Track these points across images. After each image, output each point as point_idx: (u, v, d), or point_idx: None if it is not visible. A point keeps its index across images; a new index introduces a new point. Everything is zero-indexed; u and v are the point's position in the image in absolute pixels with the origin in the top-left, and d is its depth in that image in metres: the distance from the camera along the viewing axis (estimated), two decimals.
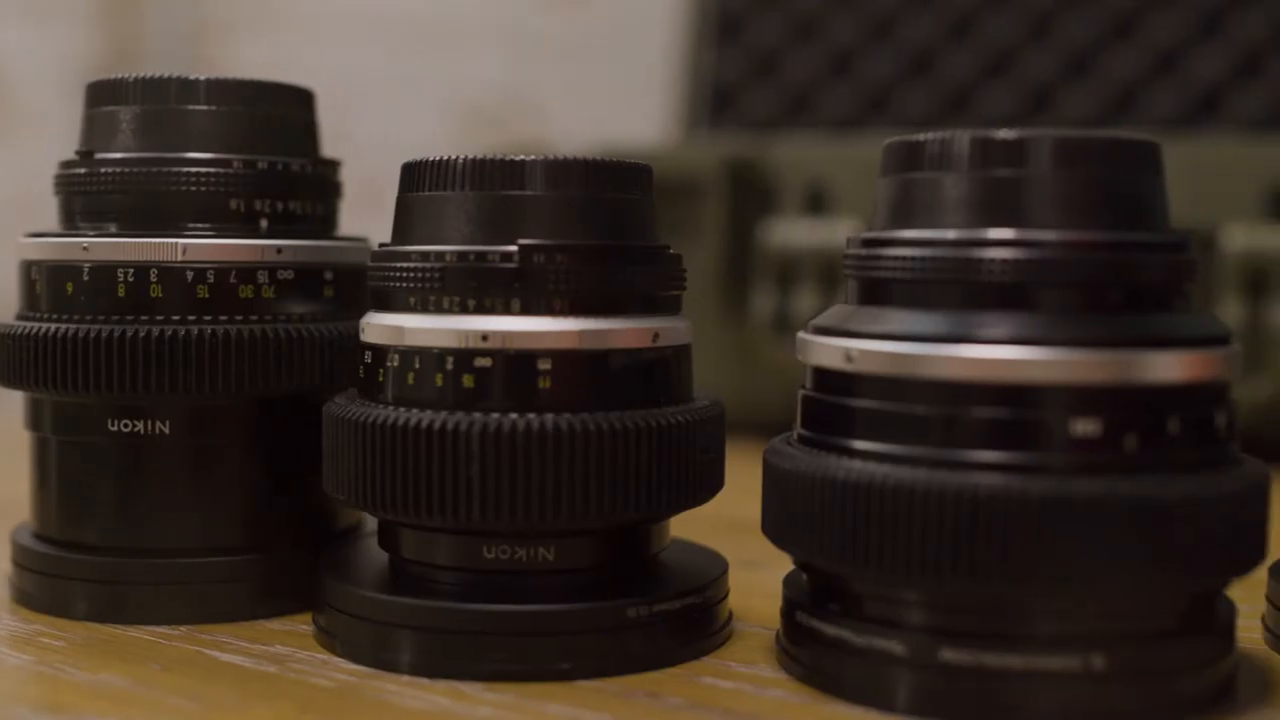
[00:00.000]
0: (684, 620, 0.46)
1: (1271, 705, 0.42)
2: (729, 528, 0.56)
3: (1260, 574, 0.44)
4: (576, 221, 0.45)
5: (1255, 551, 0.42)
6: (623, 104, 1.43)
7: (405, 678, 0.44)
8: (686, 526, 0.52)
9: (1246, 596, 0.48)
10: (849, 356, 0.41)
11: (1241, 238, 0.83)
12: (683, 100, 1.29)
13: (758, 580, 0.52)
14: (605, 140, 1.03)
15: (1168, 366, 0.40)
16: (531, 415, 0.43)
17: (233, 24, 1.63)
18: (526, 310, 0.44)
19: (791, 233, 0.90)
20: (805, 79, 1.28)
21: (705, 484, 0.47)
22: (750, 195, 0.94)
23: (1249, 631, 0.49)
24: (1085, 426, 0.39)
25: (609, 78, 1.48)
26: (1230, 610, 0.43)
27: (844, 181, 0.94)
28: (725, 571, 0.49)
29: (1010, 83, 1.29)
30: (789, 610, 0.45)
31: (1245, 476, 0.41)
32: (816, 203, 0.93)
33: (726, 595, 0.49)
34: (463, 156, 0.45)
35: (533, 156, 0.45)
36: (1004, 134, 0.41)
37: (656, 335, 0.45)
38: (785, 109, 1.28)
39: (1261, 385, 0.82)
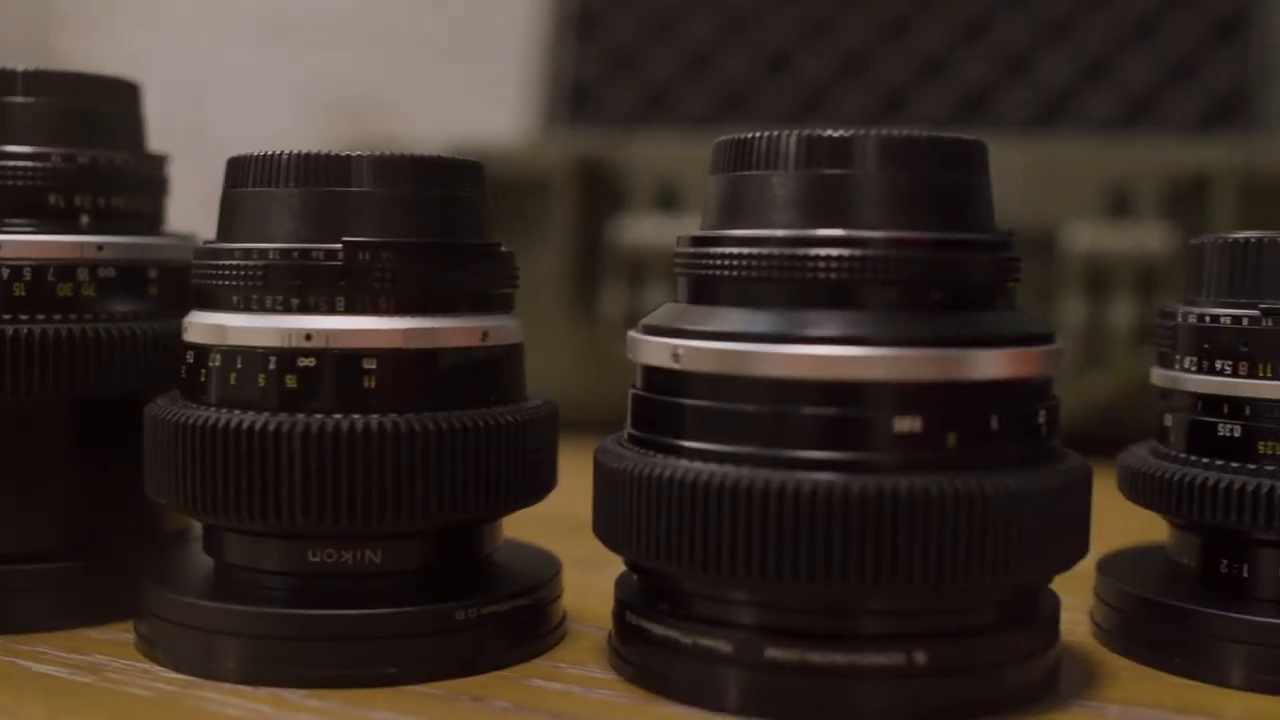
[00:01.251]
0: (514, 622, 0.45)
1: (1094, 698, 0.43)
2: (572, 528, 0.55)
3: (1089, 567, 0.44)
4: (404, 219, 0.44)
5: (1077, 546, 0.42)
6: (483, 100, 1.42)
7: (228, 686, 0.43)
8: (529, 527, 0.51)
9: (1076, 590, 0.49)
10: (676, 355, 0.41)
11: (1085, 238, 0.84)
12: (541, 97, 1.28)
13: (596, 580, 0.51)
14: (462, 137, 1.01)
15: (990, 364, 0.40)
16: (356, 416, 0.42)
17: (86, 15, 1.59)
18: (351, 309, 0.43)
19: (642, 231, 0.90)
20: (664, 77, 1.28)
21: (536, 484, 0.46)
22: (601, 193, 0.94)
23: (1078, 625, 0.50)
24: (909, 424, 0.39)
25: (470, 74, 1.46)
26: (1054, 604, 0.44)
27: (696, 180, 0.93)
28: (558, 572, 0.49)
29: (865, 83, 1.30)
30: (619, 611, 0.44)
31: (1067, 472, 0.41)
32: (668, 201, 0.93)
33: (560, 596, 0.48)
34: (288, 151, 0.44)
35: (359, 152, 0.44)
36: (831, 132, 0.41)
37: (486, 334, 0.45)
38: (644, 107, 1.28)
39: (1102, 383, 0.84)
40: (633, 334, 0.44)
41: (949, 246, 0.41)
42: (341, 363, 0.43)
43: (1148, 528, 0.51)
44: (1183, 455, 0.47)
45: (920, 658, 0.39)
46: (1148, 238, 0.83)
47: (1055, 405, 0.43)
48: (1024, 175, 0.89)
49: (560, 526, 0.55)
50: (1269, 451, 0.44)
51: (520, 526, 0.51)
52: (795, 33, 1.31)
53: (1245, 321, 0.45)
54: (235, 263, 0.44)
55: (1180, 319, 0.47)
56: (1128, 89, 1.25)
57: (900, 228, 0.40)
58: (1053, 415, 0.42)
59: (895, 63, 1.28)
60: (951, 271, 0.40)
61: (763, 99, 1.28)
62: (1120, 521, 0.51)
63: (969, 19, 1.28)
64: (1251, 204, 0.85)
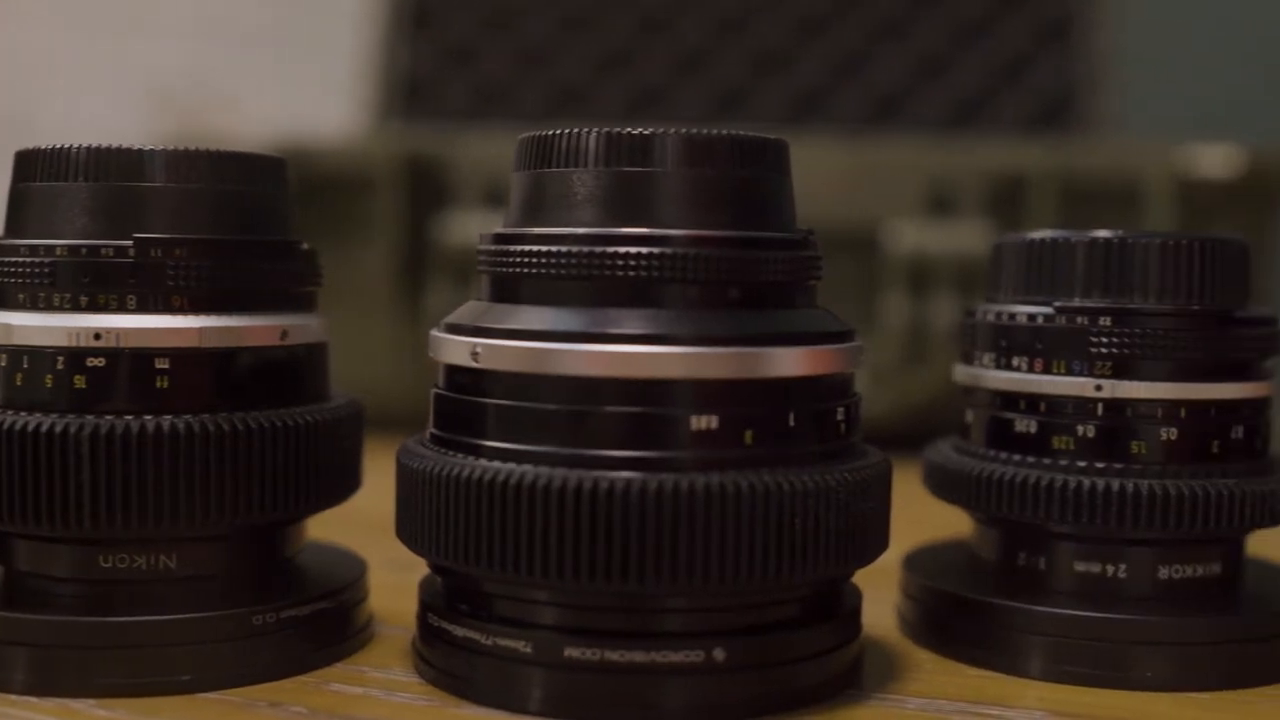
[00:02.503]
0: (316, 625, 0.44)
1: (895, 691, 0.43)
2: (387, 528, 0.54)
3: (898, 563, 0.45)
4: (199, 215, 0.43)
5: (877, 542, 0.43)
6: (318, 94, 1.40)
7: (14, 698, 0.41)
8: (343, 528, 0.50)
9: (885, 584, 0.50)
10: (475, 354, 0.41)
11: (907, 237, 0.86)
12: (375, 92, 1.27)
13: (407, 582, 0.51)
14: (292, 131, 1.00)
15: (788, 362, 0.40)
16: (148, 417, 0.41)
17: None
18: (143, 307, 0.42)
19: (469, 229, 0.89)
20: (499, 73, 1.27)
21: (339, 484, 0.46)
22: (429, 191, 0.93)
23: (885, 620, 0.50)
24: (708, 422, 0.39)
25: (305, 67, 1.44)
26: (857, 599, 0.44)
27: None
28: (364, 574, 0.48)
29: (702, 83, 1.30)
30: (422, 613, 0.44)
31: (866, 468, 0.41)
32: (496, 199, 0.92)
33: (365, 598, 0.48)
34: (79, 145, 0.43)
35: (153, 147, 0.43)
36: (632, 130, 0.41)
37: (285, 333, 0.44)
38: (479, 103, 1.28)
39: (924, 381, 0.85)
40: (434, 333, 0.43)
41: (748, 245, 0.41)
42: (133, 362, 0.42)
43: (959, 523, 0.52)
44: (983, 451, 0.47)
45: (719, 654, 0.40)
46: (968, 237, 0.85)
47: (855, 402, 0.43)
48: (848, 175, 0.90)
49: (376, 527, 0.54)
50: (1063, 446, 0.45)
51: (335, 527, 0.50)
52: (632, 31, 1.31)
53: (1040, 319, 0.45)
54: (22, 260, 0.42)
55: (980, 317, 0.48)
56: (958, 90, 1.27)
57: (700, 226, 0.40)
58: (852, 412, 0.43)
59: (732, 62, 1.29)
60: (750, 270, 0.41)
61: (599, 97, 1.28)
62: (940, 517, 0.52)
63: (805, 19, 1.30)
64: (1069, 205, 0.87)
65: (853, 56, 1.28)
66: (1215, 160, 0.87)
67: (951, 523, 0.53)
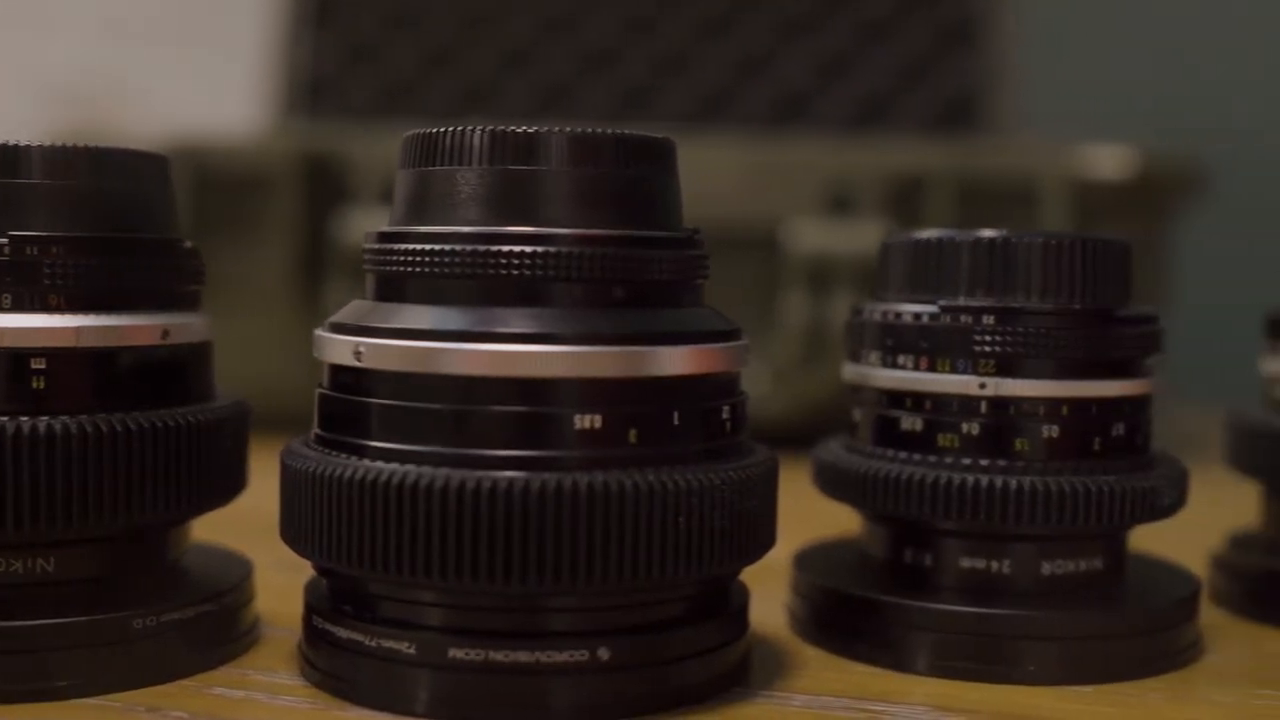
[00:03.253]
0: (199, 629, 0.44)
1: (781, 688, 0.44)
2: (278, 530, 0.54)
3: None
4: (77, 213, 0.42)
5: (763, 540, 0.43)
6: (221, 91, 1.39)
7: None
8: (235, 530, 0.50)
9: (776, 582, 0.50)
10: (358, 353, 0.41)
11: (806, 236, 0.86)
12: (277, 89, 1.25)
13: (297, 583, 0.50)
14: (192, 129, 0.98)
15: (672, 361, 0.40)
16: (24, 418, 0.40)
17: None
18: (19, 306, 0.41)
19: (367, 228, 0.88)
20: (404, 71, 1.26)
21: (223, 486, 0.45)
22: (327, 189, 0.92)
23: (776, 618, 0.50)
24: (592, 421, 0.39)
25: (208, 63, 1.43)
26: (744, 597, 0.45)
27: None
28: (249, 576, 0.47)
29: (608, 81, 1.30)
30: (307, 615, 0.43)
31: (752, 466, 0.41)
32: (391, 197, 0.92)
33: (251, 600, 0.47)
34: None
35: (30, 143, 0.42)
36: (518, 128, 0.41)
37: (167, 332, 0.43)
38: (383, 100, 1.27)
39: (824, 380, 0.86)
40: (318, 332, 0.43)
41: (634, 244, 0.41)
42: (7, 363, 0.41)
43: (854, 520, 0.52)
44: (870, 449, 0.48)
45: (604, 654, 0.40)
46: (867, 237, 0.85)
47: (741, 401, 0.43)
48: (749, 174, 0.91)
49: (267, 528, 0.53)
50: (948, 444, 0.46)
51: (225, 529, 0.50)
52: (537, 30, 1.31)
53: (925, 318, 0.46)
54: None
55: (867, 316, 0.48)
56: (861, 90, 1.28)
57: (585, 225, 0.40)
58: (738, 411, 0.43)
59: (637, 61, 1.29)
60: (636, 269, 0.41)
61: (504, 95, 1.28)
62: (838, 514, 0.52)
63: (709, 20, 1.30)
64: (967, 205, 0.88)
65: (757, 56, 1.29)
66: (1109, 162, 0.88)
67: (847, 520, 0.53)
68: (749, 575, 0.45)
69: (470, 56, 1.30)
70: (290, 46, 1.27)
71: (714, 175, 0.91)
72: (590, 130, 0.41)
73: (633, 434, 0.39)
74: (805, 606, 0.49)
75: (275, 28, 1.28)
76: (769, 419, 0.86)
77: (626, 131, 0.42)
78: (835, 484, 0.48)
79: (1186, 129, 1.38)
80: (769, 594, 0.51)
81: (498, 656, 0.39)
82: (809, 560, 0.51)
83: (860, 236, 0.85)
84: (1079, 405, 0.45)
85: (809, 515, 0.53)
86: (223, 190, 0.91)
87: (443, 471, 0.38)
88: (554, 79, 1.29)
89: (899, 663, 0.45)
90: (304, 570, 0.44)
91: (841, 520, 0.53)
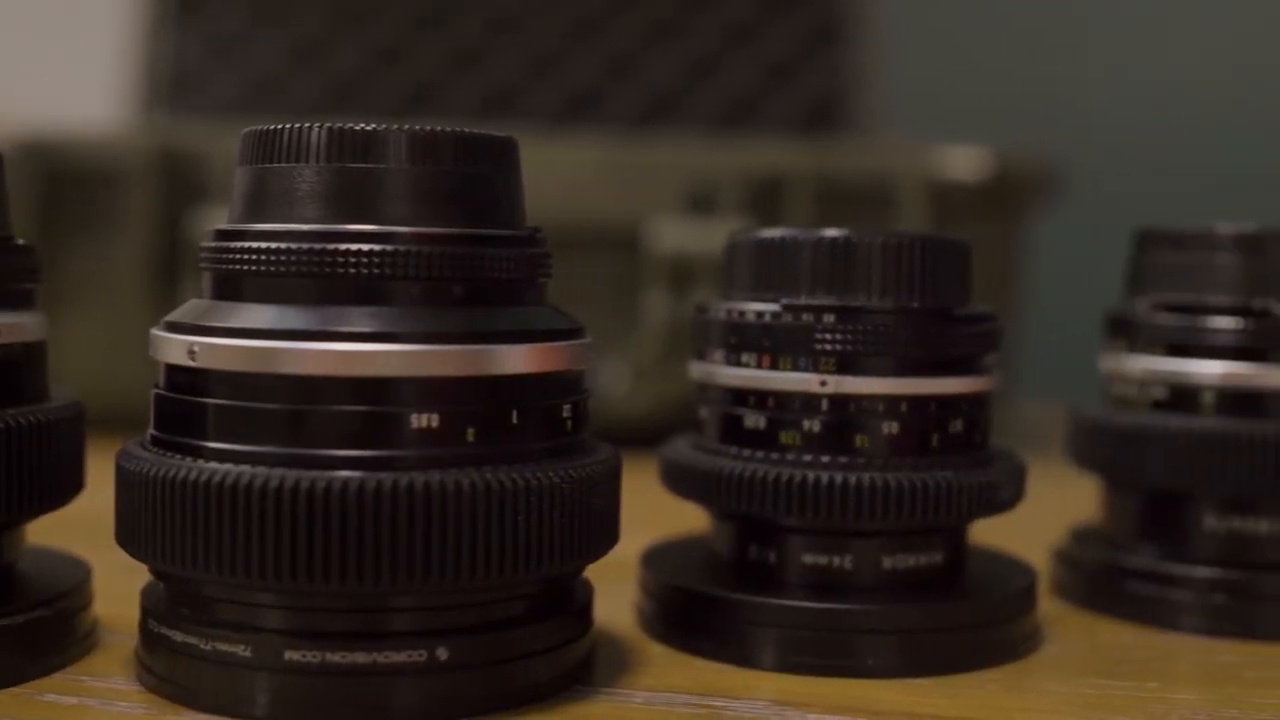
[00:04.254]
0: (32, 634, 0.43)
1: (624, 686, 0.44)
2: None
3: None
4: None
5: (605, 538, 0.43)
6: (83, 86, 1.36)
7: None
8: (78, 533, 0.49)
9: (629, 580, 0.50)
10: (192, 352, 0.40)
11: (667, 236, 0.87)
12: (138, 84, 1.23)
13: (139, 587, 0.49)
14: (46, 124, 0.96)
15: (510, 359, 0.40)
16: None
17: None
18: None
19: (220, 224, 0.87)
20: (270, 67, 1.25)
21: (59, 488, 0.44)
22: (184, 186, 0.91)
23: (624, 615, 0.51)
24: (429, 420, 0.39)
25: (69, 57, 1.40)
26: (588, 595, 0.45)
27: None
28: (87, 579, 0.46)
29: (475, 80, 1.30)
30: (144, 619, 0.43)
31: (593, 464, 0.42)
32: None
33: (89, 605, 0.46)
34: None
35: None
36: (356, 126, 0.41)
37: None
38: (249, 96, 1.25)
39: (685, 378, 0.86)
40: (153, 331, 0.42)
41: (473, 242, 0.41)
42: None
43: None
44: (715, 446, 0.48)
45: (443, 653, 0.39)
46: (727, 236, 0.86)
47: (584, 399, 0.43)
48: (612, 174, 0.91)
49: (110, 531, 0.52)
50: (791, 442, 0.46)
51: (66, 532, 0.49)
52: (407, 27, 1.30)
53: (768, 317, 0.46)
54: None
55: (712, 314, 0.48)
56: (728, 91, 1.29)
57: (425, 223, 0.40)
58: (580, 409, 0.43)
59: (505, 60, 1.29)
60: (475, 267, 0.40)
61: (371, 93, 1.27)
62: (693, 512, 0.52)
63: (578, 19, 1.30)
64: (827, 205, 0.89)
65: (625, 56, 1.29)
66: (964, 163, 0.90)
67: (703, 518, 0.53)
68: (599, 573, 0.45)
69: (337, 53, 1.29)
70: (151, 41, 1.24)
71: (578, 175, 0.92)
72: (430, 128, 0.41)
73: (471, 433, 0.39)
74: (652, 604, 0.49)
75: (137, 22, 1.26)
76: (631, 417, 0.86)
77: (467, 130, 0.42)
78: (681, 482, 0.48)
79: (1043, 130, 1.40)
80: (619, 592, 0.52)
81: (335, 658, 0.39)
82: (656, 558, 0.51)
83: (720, 236, 0.85)
84: (918, 402, 0.46)
85: (666, 512, 0.53)
86: (77, 187, 0.89)
87: (278, 472, 0.38)
88: (422, 77, 1.29)
89: (744, 659, 0.46)
90: (146, 573, 0.44)
91: (698, 518, 0.53)
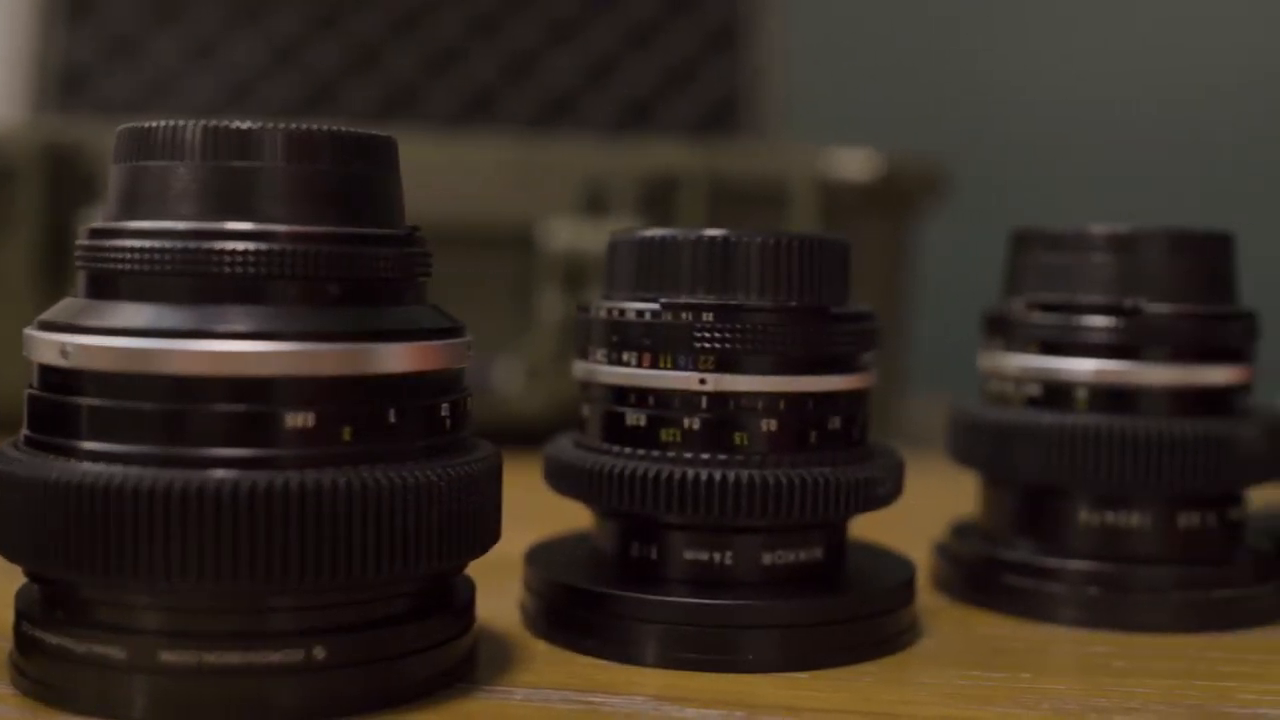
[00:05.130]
0: None
1: (506, 683, 0.44)
2: None
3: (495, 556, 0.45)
4: None
5: (485, 536, 0.43)
6: None
7: None
8: None
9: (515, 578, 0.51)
10: (64, 352, 0.40)
11: (562, 235, 0.87)
12: (31, 81, 1.22)
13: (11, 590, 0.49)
14: None
15: (387, 358, 0.40)
16: None
17: None
18: None
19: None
20: (165, 65, 1.24)
21: None
22: (74, 184, 0.89)
23: (510, 613, 0.51)
24: (310, 419, 0.39)
25: None
26: (469, 592, 0.45)
27: None
28: None
29: (374, 80, 1.29)
30: (18, 622, 0.42)
31: (472, 463, 0.42)
32: None
33: None
34: None
35: None
36: (232, 124, 0.40)
37: None
38: (143, 95, 1.24)
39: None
40: (26, 330, 0.42)
41: (350, 241, 0.41)
42: None
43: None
44: (597, 444, 0.48)
45: (320, 653, 0.39)
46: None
47: (463, 398, 0.43)
48: (509, 174, 0.91)
49: None
50: (671, 439, 0.47)
51: None
52: (305, 26, 1.29)
53: (648, 315, 0.47)
54: None
55: (594, 313, 0.49)
56: (627, 92, 1.29)
57: (302, 222, 0.40)
58: (459, 407, 0.43)
59: (404, 60, 1.28)
60: (352, 266, 0.40)
61: (269, 92, 1.26)
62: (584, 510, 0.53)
63: (477, 19, 1.30)
64: (720, 205, 0.90)
65: (524, 57, 1.29)
66: (854, 164, 0.91)
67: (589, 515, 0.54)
68: (484, 571, 0.45)
69: (233, 52, 1.28)
70: (43, 40, 1.23)
71: (476, 175, 0.92)
72: (307, 127, 0.41)
73: (348, 432, 0.39)
74: (536, 602, 0.49)
75: (28, 21, 1.24)
76: (525, 416, 0.86)
77: (344, 129, 0.42)
78: (563, 480, 0.49)
79: (937, 133, 1.42)
80: (506, 590, 0.52)
81: (210, 659, 0.39)
82: (540, 555, 0.51)
83: None
84: (796, 400, 0.47)
85: (556, 510, 0.54)
86: None
87: (152, 472, 0.38)
88: (319, 76, 1.28)
89: (626, 655, 0.46)
90: (20, 576, 0.43)
91: (587, 515, 0.54)
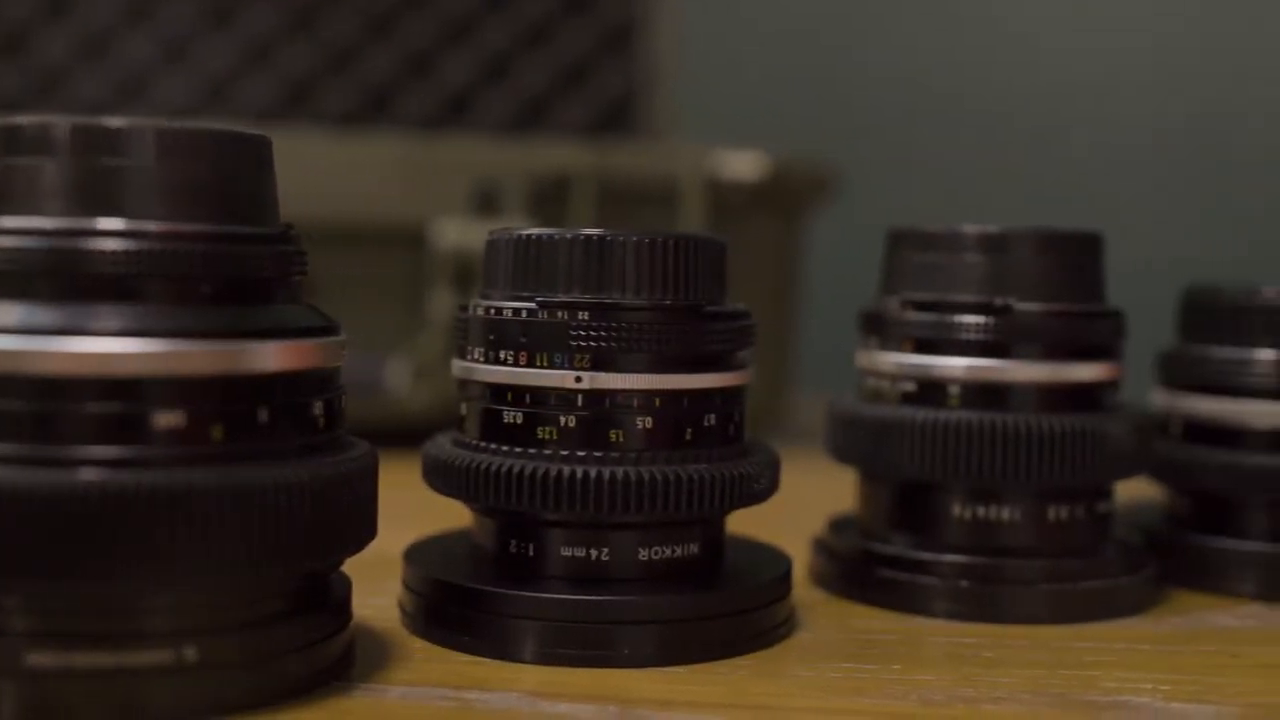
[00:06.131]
0: None
1: (381, 681, 0.44)
2: None
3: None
4: None
5: (358, 534, 0.43)
6: None
7: None
8: None
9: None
10: None
11: (451, 234, 0.87)
12: None
13: None
14: None
15: (261, 357, 0.40)
16: None
17: None
18: None
19: None
20: (56, 61, 1.23)
21: None
22: None
23: (390, 611, 0.51)
24: (183, 418, 0.39)
25: None
26: (345, 590, 0.45)
27: None
28: None
29: (270, 77, 1.28)
30: None
31: (345, 461, 0.42)
32: None
33: None
34: None
35: None
36: (103, 122, 0.40)
37: None
38: (34, 92, 1.23)
39: None
40: None
41: (223, 240, 0.41)
42: None
43: None
44: (475, 442, 0.49)
45: (191, 654, 0.39)
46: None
47: (337, 396, 0.43)
48: (404, 173, 0.91)
49: None
50: (548, 437, 0.47)
51: None
52: (197, 22, 1.29)
53: (524, 314, 0.47)
54: None
55: (472, 312, 0.49)
56: (523, 92, 1.29)
57: (173, 220, 0.40)
58: (333, 406, 0.43)
59: (299, 57, 1.28)
60: (224, 264, 0.40)
61: (78, 84, 1.25)
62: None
63: (373, 17, 1.30)
64: (611, 205, 0.90)
65: (420, 56, 1.29)
66: (742, 165, 0.92)
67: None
68: (366, 569, 0.45)
69: (126, 49, 1.27)
70: None
71: (369, 174, 0.92)
72: (180, 125, 0.41)
73: (219, 431, 0.39)
74: (414, 600, 0.49)
75: None
76: (413, 414, 0.86)
77: (217, 127, 0.42)
78: (441, 478, 0.49)
79: (829, 134, 1.44)
80: (385, 589, 0.52)
81: (79, 661, 0.38)
82: (418, 553, 0.51)
83: None
84: (671, 397, 0.47)
85: (441, 508, 0.54)
86: None
87: (21, 473, 0.37)
88: (215, 74, 1.27)
89: (504, 652, 0.46)
90: None
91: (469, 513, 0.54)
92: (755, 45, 1.56)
